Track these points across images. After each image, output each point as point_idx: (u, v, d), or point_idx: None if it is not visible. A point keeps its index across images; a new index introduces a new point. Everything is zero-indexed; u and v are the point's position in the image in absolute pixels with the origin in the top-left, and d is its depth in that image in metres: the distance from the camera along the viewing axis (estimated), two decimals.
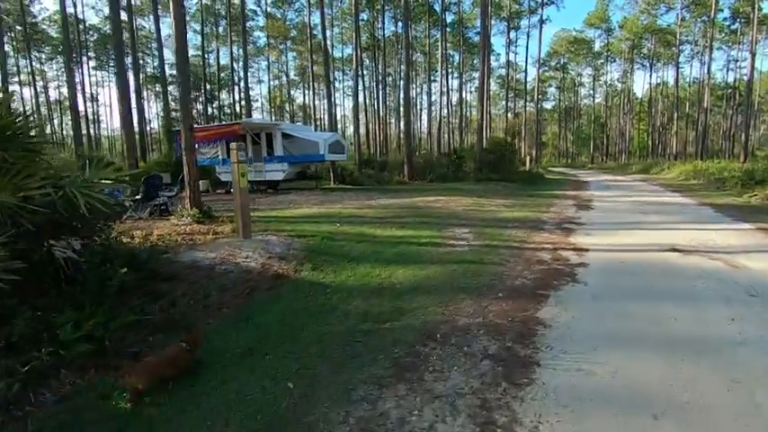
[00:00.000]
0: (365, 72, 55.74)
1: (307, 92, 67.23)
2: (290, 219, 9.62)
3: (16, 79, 53.95)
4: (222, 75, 62.45)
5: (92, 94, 61.63)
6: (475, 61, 47.61)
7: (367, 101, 60.76)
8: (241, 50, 62.33)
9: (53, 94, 62.09)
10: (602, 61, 57.08)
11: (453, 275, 5.39)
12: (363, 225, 8.70)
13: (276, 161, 16.27)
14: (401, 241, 7.24)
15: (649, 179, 23.43)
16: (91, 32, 55.40)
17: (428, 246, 6.96)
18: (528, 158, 27.03)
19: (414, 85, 65.67)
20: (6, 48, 50.98)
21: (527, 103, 50.00)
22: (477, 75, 50.14)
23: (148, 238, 6.42)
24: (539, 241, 7.34)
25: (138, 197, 10.08)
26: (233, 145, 6.76)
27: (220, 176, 17.31)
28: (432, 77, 61.16)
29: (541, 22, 40.73)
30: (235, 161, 6.46)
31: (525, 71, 46.45)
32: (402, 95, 23.24)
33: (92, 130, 57.70)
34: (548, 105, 73.52)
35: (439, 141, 34.37)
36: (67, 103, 57.74)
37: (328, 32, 52.46)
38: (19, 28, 47.83)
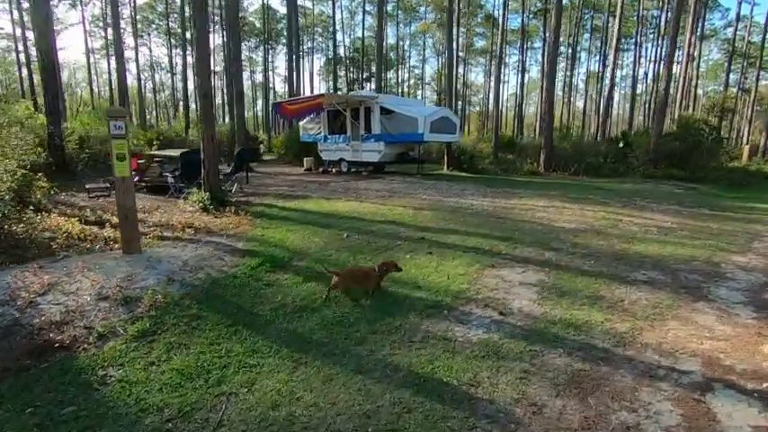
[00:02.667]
0: (535, 43, 48.47)
1: (473, 68, 63.13)
2: (315, 215, 7.21)
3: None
4: (391, 55, 63.09)
5: (284, 77, 70.37)
6: (693, 23, 35.60)
7: (537, 77, 53.10)
8: (407, 29, 61.42)
9: (259, 78, 72.44)
10: None
11: None
12: (380, 240, 5.64)
13: (373, 140, 13.89)
14: (382, 290, 4.01)
15: None
16: (284, 21, 61.89)
17: (416, 310, 3.58)
18: (747, 149, 18.22)
19: (598, 57, 54.56)
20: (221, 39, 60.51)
21: (760, 73, 35.31)
22: (690, 39, 38.27)
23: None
24: (677, 341, 3.14)
25: (177, 175, 9.00)
26: (108, 111, 4.52)
27: (321, 154, 15.91)
28: (621, 45, 49.30)
29: None
30: (115, 136, 4.22)
31: (765, 31, 32.22)
32: (546, 60, 17.94)
33: None
34: None
35: (603, 124, 26.38)
36: (270, 86, 66.64)
37: None
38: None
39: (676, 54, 41.60)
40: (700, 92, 59.71)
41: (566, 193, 10.49)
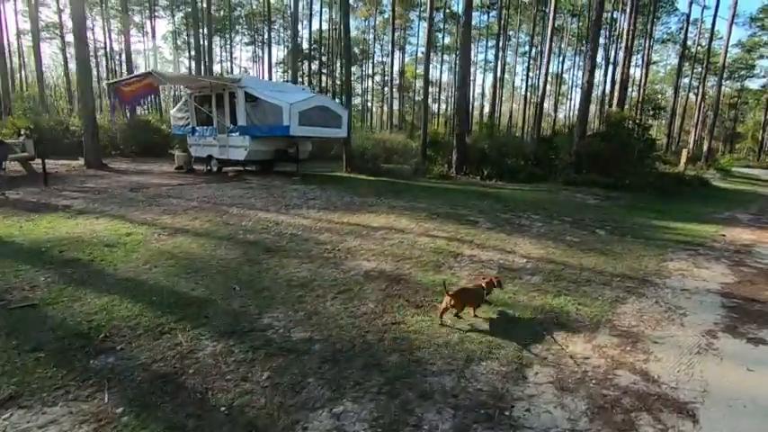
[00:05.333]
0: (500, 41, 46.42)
1: (439, 66, 60.17)
2: None
3: (186, 54, 59.90)
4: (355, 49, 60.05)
5: (245, 68, 66.13)
6: (649, 27, 34.14)
7: (505, 75, 51.25)
8: (367, 23, 58.17)
9: (217, 68, 68.09)
10: None
11: None
12: None
13: (237, 133, 11.15)
14: None
15: None
16: (239, 9, 57.76)
17: None
18: (684, 153, 16.36)
19: (561, 58, 53.08)
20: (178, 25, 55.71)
21: (705, 77, 33.99)
22: (654, 45, 36.87)
23: None
24: None
25: None
26: None
27: (191, 150, 13.02)
28: (581, 47, 47.85)
29: None
30: None
31: (711, 34, 31.01)
32: (459, 50, 15.60)
33: None
34: (754, 84, 52.52)
35: (537, 123, 24.30)
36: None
37: None
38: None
39: (637, 58, 40.20)
40: (659, 96, 59.32)
41: (440, 205, 8.05)
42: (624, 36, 17.85)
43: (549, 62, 18.56)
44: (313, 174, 12.50)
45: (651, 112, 14.41)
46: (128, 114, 14.14)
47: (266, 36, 56.29)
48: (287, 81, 27.74)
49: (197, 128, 12.45)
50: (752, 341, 3.23)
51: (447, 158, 14.16)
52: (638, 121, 13.71)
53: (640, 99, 25.09)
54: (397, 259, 4.68)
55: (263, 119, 10.59)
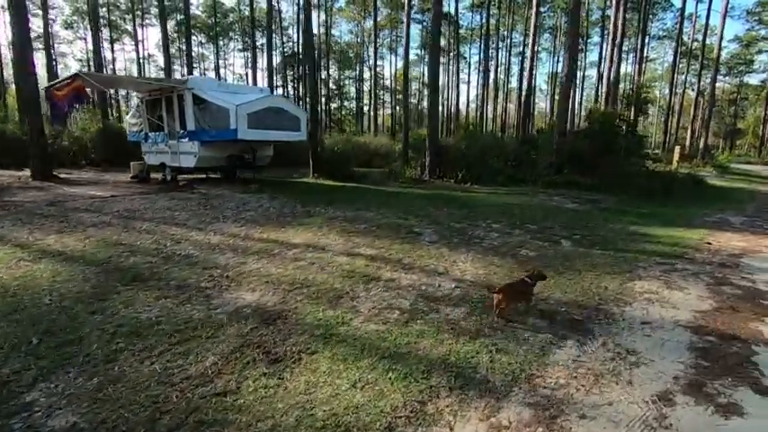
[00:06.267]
0: (494, 43, 45.37)
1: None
2: None
3: (179, 61, 59.41)
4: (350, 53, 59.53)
5: (240, 75, 65.60)
6: (642, 23, 33.09)
7: (500, 77, 50.34)
8: (359, 26, 57.34)
9: (212, 75, 67.57)
10: None
11: None
12: None
13: (188, 139, 10.30)
14: None
15: None
16: (230, 15, 57.24)
17: None
18: (677, 150, 15.33)
19: (556, 57, 52.12)
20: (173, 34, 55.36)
21: (701, 73, 33.05)
22: (650, 42, 35.92)
23: None
24: None
25: None
26: None
27: (145, 158, 12.17)
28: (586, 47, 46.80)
29: None
30: None
31: (706, 28, 30.08)
32: (428, 48, 14.68)
33: None
34: (753, 80, 51.39)
35: (523, 122, 23.40)
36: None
37: None
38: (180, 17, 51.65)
39: (627, 55, 39.16)
40: (657, 93, 58.23)
41: (389, 214, 7.13)
42: (611, 30, 16.93)
43: (533, 58, 17.65)
44: (275, 180, 11.64)
45: (634, 105, 13.58)
46: (63, 120, 13.34)
47: (257, 42, 55.57)
48: (276, 87, 26.77)
49: (150, 134, 11.61)
50: (721, 409, 2.29)
51: (421, 161, 13.25)
52: (623, 117, 12.73)
53: (634, 95, 24.11)
54: (292, 288, 3.77)
55: (211, 122, 9.74)
